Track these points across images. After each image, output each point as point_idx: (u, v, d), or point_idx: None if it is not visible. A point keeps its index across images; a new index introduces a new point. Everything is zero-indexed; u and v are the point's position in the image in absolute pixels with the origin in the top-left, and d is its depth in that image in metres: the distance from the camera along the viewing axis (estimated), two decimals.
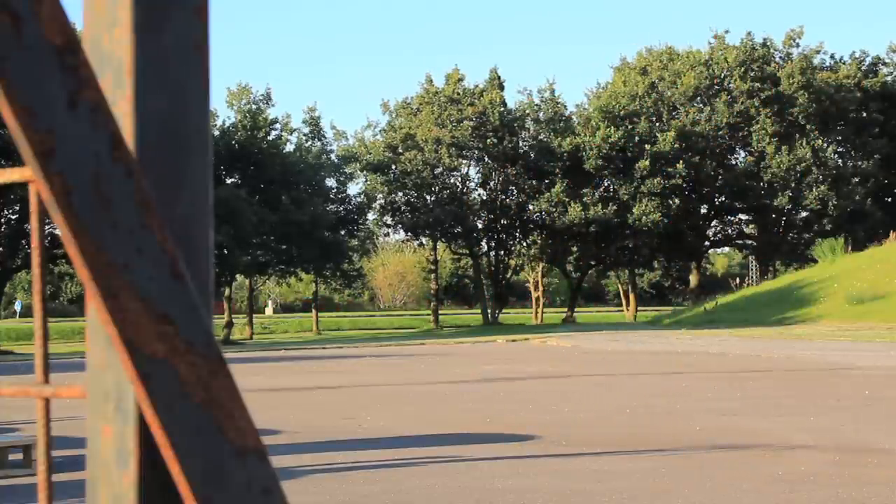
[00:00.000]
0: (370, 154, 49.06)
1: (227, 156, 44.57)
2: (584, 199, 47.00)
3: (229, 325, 44.01)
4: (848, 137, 50.94)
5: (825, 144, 49.78)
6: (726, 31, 56.29)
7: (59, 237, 32.88)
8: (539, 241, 49.16)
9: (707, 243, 54.65)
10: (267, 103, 47.00)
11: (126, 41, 0.82)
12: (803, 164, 48.38)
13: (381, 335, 42.01)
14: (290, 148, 48.23)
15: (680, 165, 47.42)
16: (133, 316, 0.78)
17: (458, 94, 48.31)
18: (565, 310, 53.06)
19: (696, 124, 49.42)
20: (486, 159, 48.52)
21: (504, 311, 53.85)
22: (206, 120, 0.86)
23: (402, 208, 49.35)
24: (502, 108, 48.21)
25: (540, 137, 48.85)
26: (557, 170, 47.47)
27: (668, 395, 10.87)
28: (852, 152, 51.72)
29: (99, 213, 0.77)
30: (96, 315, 0.82)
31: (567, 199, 46.80)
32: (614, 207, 46.95)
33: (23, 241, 37.97)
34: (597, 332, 31.44)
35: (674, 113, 50.61)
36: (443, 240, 50.73)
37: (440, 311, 53.38)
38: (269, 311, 78.80)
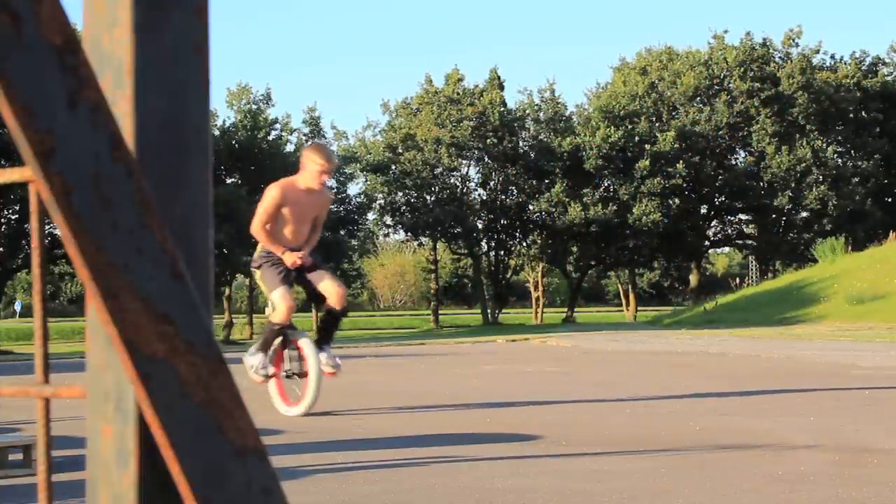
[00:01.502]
0: (370, 154, 49.05)
1: (227, 156, 44.57)
2: (584, 199, 46.99)
3: (229, 325, 44.02)
4: (848, 137, 50.94)
5: (825, 144, 49.77)
6: (726, 31, 56.37)
7: (59, 237, 32.83)
8: (539, 241, 49.15)
9: (707, 243, 54.65)
10: (267, 103, 47.01)
11: (126, 41, 0.82)
12: (803, 164, 48.38)
13: (381, 335, 42.01)
14: (290, 148, 48.25)
15: (680, 165, 47.42)
16: (133, 316, 0.78)
17: (458, 94, 48.30)
18: (565, 310, 53.03)
19: (696, 124, 49.41)
20: (486, 159, 48.50)
21: (504, 311, 53.83)
22: (206, 120, 0.86)
23: (402, 208, 49.32)
24: (502, 108, 48.19)
25: (540, 137, 48.83)
26: (557, 170, 47.45)
27: (668, 395, 10.86)
28: (852, 152, 51.72)
29: (99, 213, 0.77)
30: (96, 315, 0.82)
31: (567, 199, 46.78)
32: (614, 207, 46.94)
33: (23, 241, 37.95)
34: (597, 332, 31.45)
35: (674, 113, 50.61)
36: (443, 240, 50.71)
37: (440, 311, 53.37)
38: (269, 311, 78.76)
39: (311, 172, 9.24)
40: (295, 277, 9.51)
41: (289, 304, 9.41)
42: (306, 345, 9.45)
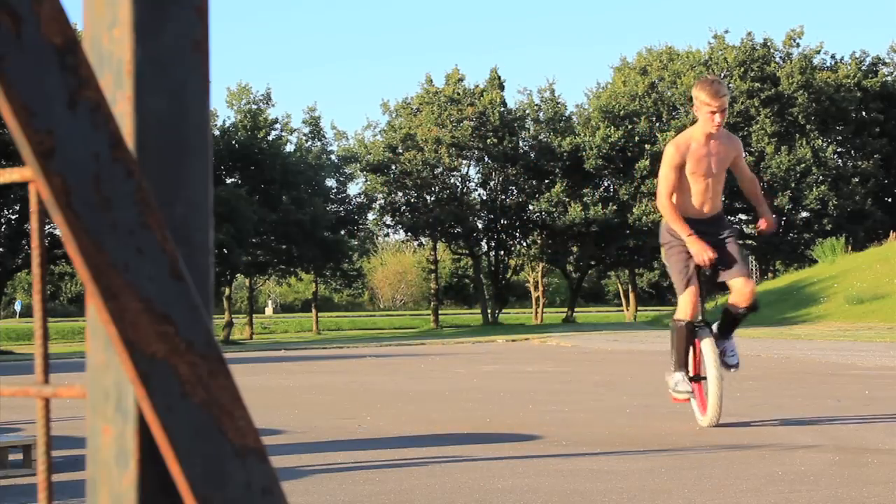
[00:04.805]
0: (370, 154, 49.06)
1: (228, 156, 44.59)
2: (584, 199, 47.00)
3: (229, 325, 44.02)
4: (848, 137, 50.95)
5: (825, 144, 49.77)
6: (726, 31, 56.35)
7: (59, 237, 32.83)
8: (539, 241, 49.15)
9: None
10: (267, 103, 47.05)
11: (126, 41, 0.82)
12: (803, 165, 48.40)
13: (381, 335, 42.02)
14: (290, 148, 48.28)
15: None
16: (133, 316, 0.78)
17: (458, 94, 48.31)
18: (565, 310, 53.04)
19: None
20: (486, 159, 48.51)
21: (504, 311, 53.84)
22: (206, 120, 0.86)
23: (402, 208, 49.33)
24: (502, 108, 48.20)
25: (540, 137, 48.84)
26: (557, 170, 47.47)
27: (668, 395, 10.84)
28: (852, 152, 51.73)
29: (99, 213, 0.77)
30: (96, 315, 0.82)
31: (567, 199, 46.80)
32: (614, 207, 46.95)
33: (23, 241, 37.96)
34: (597, 332, 31.45)
35: (674, 113, 50.60)
36: (443, 240, 50.73)
37: (440, 311, 53.37)
38: (269, 311, 78.80)
39: (702, 117, 7.94)
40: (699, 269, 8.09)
41: (693, 301, 8.04)
42: (706, 346, 8.17)
